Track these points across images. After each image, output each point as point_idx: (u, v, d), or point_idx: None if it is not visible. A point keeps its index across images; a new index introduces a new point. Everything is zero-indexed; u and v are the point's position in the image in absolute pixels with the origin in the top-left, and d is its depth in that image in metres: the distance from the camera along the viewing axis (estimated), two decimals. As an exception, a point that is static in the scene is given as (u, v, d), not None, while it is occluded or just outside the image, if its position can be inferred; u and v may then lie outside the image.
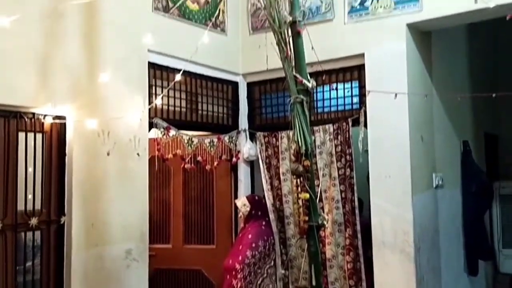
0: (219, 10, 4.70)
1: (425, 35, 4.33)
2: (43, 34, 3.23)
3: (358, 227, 4.24)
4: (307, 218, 2.84)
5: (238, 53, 4.95)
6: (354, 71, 4.42)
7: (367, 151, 4.15)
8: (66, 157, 3.43)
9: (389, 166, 4.01)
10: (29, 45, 3.15)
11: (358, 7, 4.24)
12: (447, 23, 4.12)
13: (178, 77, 3.80)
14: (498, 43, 6.71)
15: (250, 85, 5.07)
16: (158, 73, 4.16)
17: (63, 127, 3.42)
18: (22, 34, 3.06)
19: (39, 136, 3.33)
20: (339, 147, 4.35)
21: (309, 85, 2.94)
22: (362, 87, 4.32)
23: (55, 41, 3.29)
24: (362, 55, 4.22)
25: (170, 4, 4.16)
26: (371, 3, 4.16)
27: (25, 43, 3.12)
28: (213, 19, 4.57)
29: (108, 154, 3.60)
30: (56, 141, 3.41)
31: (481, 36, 6.05)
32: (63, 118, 3.39)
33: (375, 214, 4.07)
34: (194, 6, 4.43)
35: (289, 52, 2.98)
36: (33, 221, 3.25)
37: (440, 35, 4.57)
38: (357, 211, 4.26)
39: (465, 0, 3.47)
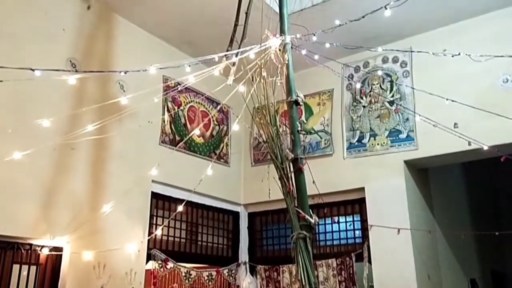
0: (223, 143, 4.90)
1: (423, 172, 4.45)
2: (51, 166, 3.32)
3: None
4: None
5: (240, 184, 5.04)
6: (355, 205, 4.44)
7: (372, 286, 3.97)
8: (58, 291, 3.27)
9: (396, 307, 3.80)
10: (36, 178, 3.22)
11: (356, 143, 4.43)
12: (443, 162, 4.26)
13: (180, 208, 3.81)
14: (496, 179, 6.85)
15: (251, 216, 5.06)
16: (160, 203, 4.18)
17: (59, 258, 3.32)
18: (32, 167, 3.16)
19: (33, 268, 3.22)
20: (343, 284, 4.18)
21: (312, 221, 2.93)
22: (364, 221, 4.31)
23: (62, 173, 3.37)
24: (362, 189, 4.29)
25: (177, 138, 4.36)
26: (369, 140, 4.35)
27: (33, 175, 3.20)
28: (217, 152, 4.75)
29: (101, 288, 3.44)
30: (50, 273, 3.29)
31: (479, 173, 6.21)
32: (60, 249, 3.31)
33: None
34: (199, 140, 4.64)
35: (291, 188, 3.03)
36: None
37: (438, 171, 4.70)
38: None
39: (459, 140, 3.62)
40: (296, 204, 3.00)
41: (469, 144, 3.34)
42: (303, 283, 2.71)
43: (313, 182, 3.22)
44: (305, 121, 4.81)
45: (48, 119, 2.85)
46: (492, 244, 6.03)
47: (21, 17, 3.32)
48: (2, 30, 3.18)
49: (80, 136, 3.02)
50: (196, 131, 4.50)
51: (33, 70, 2.43)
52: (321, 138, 4.68)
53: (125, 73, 2.82)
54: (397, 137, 4.19)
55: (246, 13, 3.24)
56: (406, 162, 4.13)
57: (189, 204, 4.38)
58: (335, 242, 4.50)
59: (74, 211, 3.39)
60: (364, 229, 4.27)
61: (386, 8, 2.83)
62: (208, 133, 4.77)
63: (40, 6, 3.46)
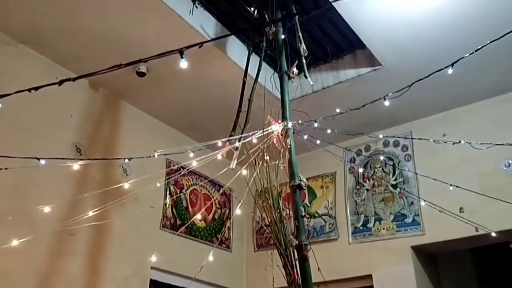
0: (225, 228, 4.81)
1: (431, 258, 4.31)
2: (49, 253, 3.23)
3: None
4: None
5: (242, 270, 4.87)
6: (363, 293, 4.24)
7: None
8: None
9: None
10: (33, 265, 3.12)
11: (361, 227, 4.34)
12: (451, 247, 4.14)
13: (179, 297, 3.65)
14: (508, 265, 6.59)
15: (254, 305, 4.82)
16: (159, 291, 4.01)
17: None
18: (29, 254, 3.07)
19: None
20: None
21: (319, 313, 2.78)
22: (372, 310, 4.09)
23: (59, 260, 3.28)
24: (369, 276, 4.13)
25: (178, 222, 4.29)
26: (374, 224, 4.27)
27: (30, 263, 3.10)
28: (219, 236, 4.64)
29: None
30: None
31: (490, 259, 5.99)
32: None
33: None
34: (201, 224, 4.56)
35: (296, 276, 2.91)
36: None
37: (448, 258, 4.55)
38: None
39: (466, 226, 3.55)
40: (301, 293, 2.87)
41: (477, 230, 3.26)
42: None
43: (318, 269, 3.11)
44: (308, 205, 4.76)
45: (50, 205, 2.83)
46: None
47: (29, 104, 3.41)
48: (10, 117, 3.24)
49: (80, 222, 2.98)
50: (198, 216, 4.44)
51: (38, 159, 2.46)
52: (325, 222, 4.60)
53: (129, 159, 2.84)
54: (402, 222, 4.11)
55: (249, 100, 3.34)
56: (413, 248, 4.02)
57: (189, 294, 4.19)
58: (343, 334, 4.23)
59: (68, 301, 3.24)
60: (374, 320, 4.04)
61: (385, 99, 2.92)
62: (210, 217, 4.70)
63: (51, 94, 3.57)
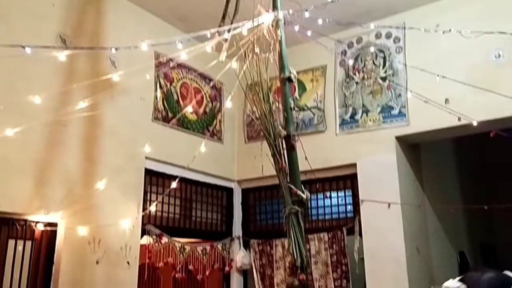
0: (216, 120, 4.91)
1: (414, 148, 4.50)
2: (43, 143, 3.32)
3: None
4: (303, 337, 2.69)
5: (234, 160, 5.07)
6: (347, 180, 4.50)
7: (362, 259, 4.06)
8: (54, 266, 3.32)
9: (386, 278, 3.90)
10: (29, 154, 3.23)
11: (348, 120, 4.46)
12: (434, 137, 4.30)
13: (174, 184, 3.85)
14: (486, 154, 6.92)
15: (244, 192, 5.11)
16: (154, 179, 4.21)
17: (53, 234, 3.36)
18: (24, 144, 3.15)
19: (28, 243, 3.26)
20: (335, 257, 4.27)
21: (304, 196, 2.98)
22: (355, 196, 4.37)
23: (54, 150, 3.38)
24: (354, 165, 4.34)
25: (170, 115, 4.35)
26: (361, 116, 4.38)
27: (26, 152, 3.20)
28: (211, 129, 4.76)
29: (97, 262, 3.50)
30: (45, 249, 3.33)
31: (469, 148, 6.28)
32: (55, 225, 3.35)
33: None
34: (192, 117, 4.64)
35: (284, 164, 3.07)
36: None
37: (429, 147, 4.75)
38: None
39: (450, 116, 3.66)
40: (288, 180, 3.04)
41: (459, 119, 3.37)
42: (295, 256, 2.77)
43: (306, 158, 3.26)
44: (298, 98, 4.81)
45: (39, 95, 2.84)
46: (481, 218, 6.15)
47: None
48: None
49: (71, 113, 3.02)
50: (189, 108, 4.49)
51: (23, 47, 2.41)
52: (314, 114, 4.69)
53: (116, 49, 2.80)
54: (389, 113, 4.21)
55: (239, -12, 3.20)
56: (397, 138, 4.17)
57: (183, 180, 4.41)
58: (327, 217, 4.57)
59: (67, 187, 3.42)
60: (356, 204, 4.34)
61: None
62: (201, 110, 4.76)
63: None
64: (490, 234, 6.65)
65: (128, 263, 3.71)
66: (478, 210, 5.07)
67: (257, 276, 4.66)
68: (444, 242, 4.81)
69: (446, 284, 2.53)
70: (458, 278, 2.56)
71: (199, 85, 4.79)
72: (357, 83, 4.47)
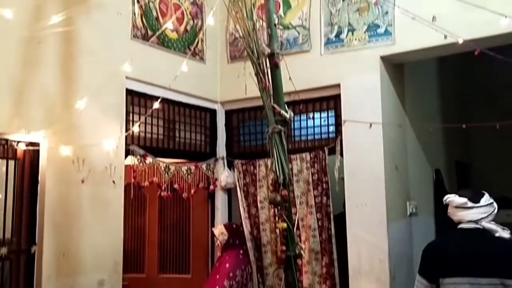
0: (198, 39, 4.75)
1: (398, 68, 4.47)
2: (19, 61, 3.20)
3: (335, 256, 4.25)
4: (284, 248, 2.84)
5: (217, 81, 5.00)
6: (331, 101, 4.50)
7: (343, 178, 4.19)
8: (39, 185, 3.35)
9: (364, 195, 4.07)
10: (4, 72, 3.11)
11: (334, 39, 4.36)
12: (419, 56, 4.27)
13: (156, 104, 3.81)
14: (469, 74, 6.97)
15: (228, 113, 5.10)
16: (136, 100, 4.15)
17: (36, 154, 3.35)
18: (-1, 64, 3.03)
19: (11, 163, 3.26)
20: (316, 176, 4.40)
21: (287, 115, 2.99)
22: (338, 116, 4.40)
23: (31, 68, 3.26)
24: (338, 86, 4.32)
25: (149, 33, 4.19)
26: (346, 35, 4.28)
27: (2, 72, 3.08)
28: (192, 48, 4.62)
29: (82, 181, 3.54)
30: (28, 168, 3.34)
31: (452, 68, 6.29)
32: (37, 144, 3.33)
33: (351, 243, 4.09)
34: (173, 35, 4.48)
35: (267, 83, 3.04)
36: (3, 250, 3.14)
37: (413, 67, 4.73)
38: (333, 240, 4.28)
39: (435, 34, 3.61)
40: (272, 100, 3.04)
41: (445, 37, 3.32)
42: (277, 174, 2.85)
43: (290, 78, 3.23)
44: (282, 16, 4.65)
45: (10, 9, 2.68)
46: (459, 137, 6.34)
47: None
48: None
49: (46, 28, 2.87)
50: (169, 25, 4.32)
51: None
52: (299, 33, 4.57)
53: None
54: (375, 32, 4.13)
55: None
56: (382, 57, 4.13)
57: (166, 101, 4.36)
58: (309, 138, 4.64)
59: (47, 107, 3.35)
60: (338, 124, 4.39)
61: None
62: (182, 28, 4.59)
63: None
64: (465, 154, 6.90)
65: (113, 182, 3.76)
66: (456, 130, 5.22)
67: (241, 194, 4.81)
68: (421, 160, 4.97)
69: (450, 198, 2.64)
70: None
71: (179, 1, 4.57)
72: (343, 0, 4.32)
